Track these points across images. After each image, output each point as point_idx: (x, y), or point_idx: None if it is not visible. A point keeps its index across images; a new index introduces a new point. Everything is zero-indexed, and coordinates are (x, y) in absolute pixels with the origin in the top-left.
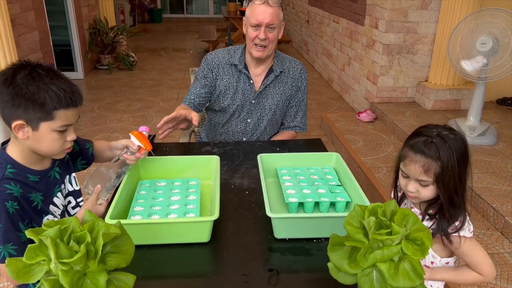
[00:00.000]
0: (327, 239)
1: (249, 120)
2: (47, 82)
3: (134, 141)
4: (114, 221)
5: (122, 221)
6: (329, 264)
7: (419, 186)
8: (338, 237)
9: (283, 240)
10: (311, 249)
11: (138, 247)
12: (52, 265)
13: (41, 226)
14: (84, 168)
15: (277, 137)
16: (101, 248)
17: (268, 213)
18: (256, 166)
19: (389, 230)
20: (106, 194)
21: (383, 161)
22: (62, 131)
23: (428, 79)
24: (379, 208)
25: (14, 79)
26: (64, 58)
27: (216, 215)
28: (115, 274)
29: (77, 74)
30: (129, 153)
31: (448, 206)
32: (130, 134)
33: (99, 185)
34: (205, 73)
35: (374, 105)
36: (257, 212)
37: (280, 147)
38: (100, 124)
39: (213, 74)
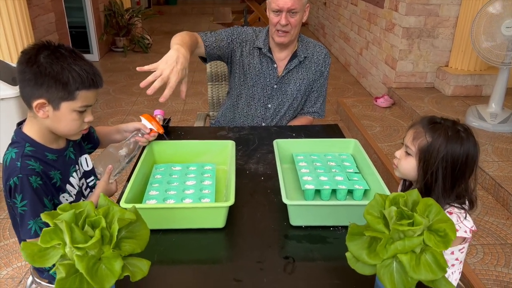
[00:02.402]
0: (344, 227)
1: (269, 105)
2: (70, 62)
3: (146, 124)
4: (129, 205)
5: (137, 206)
6: (347, 254)
7: (404, 154)
8: (357, 227)
9: (299, 227)
10: (328, 237)
11: (153, 231)
12: (67, 249)
13: (60, 203)
14: (90, 152)
15: (294, 122)
16: (116, 233)
17: (284, 200)
18: (272, 152)
19: (411, 220)
20: (116, 175)
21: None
22: (81, 112)
23: (449, 64)
24: (400, 198)
25: (38, 58)
26: (80, 40)
27: (231, 201)
28: (130, 259)
29: (92, 56)
30: (140, 135)
31: (422, 186)
32: (141, 117)
33: (110, 165)
34: (231, 40)
35: (392, 90)
36: (272, 199)
37: (296, 132)
38: (115, 106)
39: (237, 46)
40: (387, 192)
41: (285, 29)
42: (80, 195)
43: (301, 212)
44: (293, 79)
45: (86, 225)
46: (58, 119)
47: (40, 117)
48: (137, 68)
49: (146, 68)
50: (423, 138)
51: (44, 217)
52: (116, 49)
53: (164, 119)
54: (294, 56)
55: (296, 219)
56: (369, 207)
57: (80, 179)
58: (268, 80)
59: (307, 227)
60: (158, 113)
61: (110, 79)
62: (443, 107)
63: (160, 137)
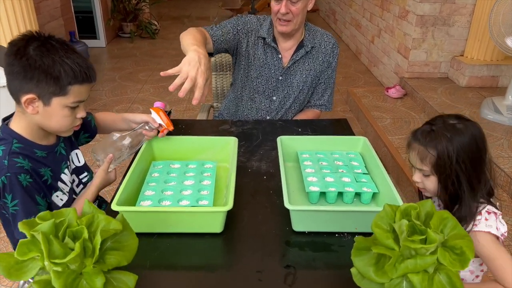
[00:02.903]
0: (350, 233)
1: (274, 98)
2: (62, 55)
3: (156, 118)
4: (121, 208)
5: (129, 209)
6: (353, 270)
7: (422, 176)
8: (364, 240)
9: (302, 233)
10: (333, 245)
11: (147, 235)
12: (46, 263)
13: (53, 203)
14: (88, 142)
15: (300, 116)
16: (98, 246)
17: (287, 205)
18: (276, 148)
19: (423, 236)
20: (115, 164)
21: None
22: (73, 108)
23: (464, 53)
24: (412, 210)
25: (27, 50)
26: (86, 25)
27: (229, 205)
28: (114, 273)
29: (99, 42)
30: (147, 128)
31: (447, 199)
32: (152, 110)
33: (111, 154)
34: (236, 31)
35: (404, 80)
36: (274, 200)
37: (302, 127)
38: (120, 94)
39: (243, 37)
40: (397, 196)
41: (286, 18)
42: (72, 192)
43: (304, 217)
44: (299, 70)
45: (67, 237)
46: (49, 115)
47: (29, 113)
48: (161, 73)
49: (170, 72)
50: (428, 155)
51: (21, 226)
52: (123, 35)
53: (165, 112)
54: (300, 46)
55: (298, 225)
56: (377, 219)
57: (71, 174)
58: (273, 71)
59: (310, 233)
60: (159, 105)
61: (117, 66)
62: (457, 99)
63: (168, 134)
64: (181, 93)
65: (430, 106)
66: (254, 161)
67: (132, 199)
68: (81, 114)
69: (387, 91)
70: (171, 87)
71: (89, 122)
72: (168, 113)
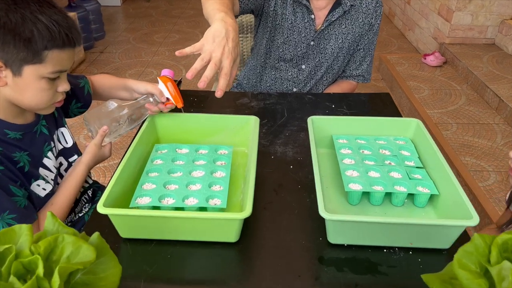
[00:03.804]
0: (403, 249)
1: (303, 67)
2: (35, 10)
3: (163, 90)
4: (109, 211)
5: (121, 212)
6: None
7: None
8: (434, 279)
9: (340, 246)
10: (380, 265)
11: (143, 241)
12: None
13: (30, 193)
14: (82, 113)
15: (334, 89)
16: None
17: (323, 213)
18: (305, 129)
19: None
20: (111, 138)
21: (452, 116)
22: (52, 79)
23: None
24: None
25: None
26: None
27: (247, 211)
28: None
29: (113, 1)
30: (151, 100)
31: None
32: (159, 80)
33: (105, 127)
34: None
35: (444, 47)
36: (304, 198)
37: (336, 102)
38: (134, 57)
39: None
40: (467, 202)
41: None
42: (57, 180)
43: (344, 227)
44: (334, 34)
45: (12, 275)
46: (21, 89)
47: None
48: (176, 53)
49: (188, 50)
50: None
51: None
52: None
53: (174, 81)
54: (337, 4)
55: (336, 236)
56: (462, 254)
57: (56, 157)
58: (303, 35)
59: (350, 247)
60: (167, 74)
61: (131, 26)
62: (505, 68)
63: (176, 110)
64: (201, 84)
65: (474, 76)
66: (278, 145)
67: (127, 193)
68: (63, 87)
69: (425, 58)
70: (189, 75)
71: (82, 90)
72: (178, 83)
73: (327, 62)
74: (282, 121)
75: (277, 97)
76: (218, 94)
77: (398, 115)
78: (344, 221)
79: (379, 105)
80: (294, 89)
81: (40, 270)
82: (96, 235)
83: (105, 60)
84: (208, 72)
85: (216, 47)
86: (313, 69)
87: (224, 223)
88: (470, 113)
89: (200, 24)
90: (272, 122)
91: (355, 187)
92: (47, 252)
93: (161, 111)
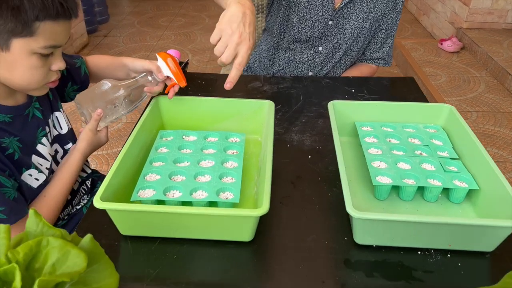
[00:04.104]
0: (439, 251)
1: (320, 48)
2: None
3: (163, 67)
4: (107, 206)
5: (121, 207)
6: None
7: None
8: None
9: (368, 247)
10: (416, 269)
11: (147, 239)
12: None
13: (20, 184)
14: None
15: (352, 72)
16: None
17: (350, 210)
18: (323, 116)
19: None
20: (106, 122)
21: (471, 104)
22: (45, 55)
23: None
24: None
25: None
26: None
27: (264, 208)
28: None
29: None
30: (150, 79)
31: None
32: (158, 56)
33: (100, 110)
34: None
35: (461, 32)
36: (325, 191)
37: (356, 86)
38: (139, 41)
39: None
40: None
41: None
42: (52, 170)
43: (374, 226)
44: (355, 13)
45: None
46: (9, 65)
47: None
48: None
49: (212, 42)
50: None
51: None
52: None
53: (180, 63)
54: None
55: (364, 236)
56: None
57: (51, 144)
58: (320, 13)
59: (380, 248)
60: (172, 54)
61: (136, 10)
62: None
63: (181, 92)
64: (228, 85)
65: (494, 62)
66: (294, 132)
67: (128, 185)
68: (57, 65)
69: (441, 44)
70: (220, 59)
71: (78, 70)
72: (184, 65)
73: (346, 43)
74: (298, 106)
75: (291, 81)
76: (228, 86)
77: (425, 101)
78: (376, 220)
79: (403, 90)
80: (310, 73)
81: (18, 283)
82: (88, 238)
83: (109, 44)
84: (225, 58)
85: (233, 35)
86: (331, 51)
87: (238, 221)
88: (490, 101)
89: (206, 8)
90: (287, 108)
91: (384, 180)
92: (28, 259)
93: (163, 94)
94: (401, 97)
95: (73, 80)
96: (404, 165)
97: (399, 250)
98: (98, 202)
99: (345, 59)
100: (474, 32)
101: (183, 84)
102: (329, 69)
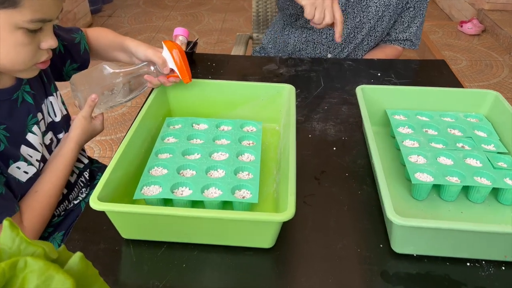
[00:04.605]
0: (493, 263)
1: None
2: None
3: (168, 60)
4: (103, 206)
5: (121, 208)
6: None
7: None
8: None
9: (409, 257)
10: (465, 283)
11: (152, 244)
12: None
13: (8, 178)
14: None
15: (376, 53)
16: None
17: (392, 216)
18: (347, 102)
19: None
20: (101, 109)
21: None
22: (32, 31)
23: None
24: None
25: None
26: None
27: (290, 212)
28: None
29: None
30: (152, 69)
31: None
32: (164, 45)
33: (94, 95)
34: None
35: (482, 13)
36: (354, 189)
37: (382, 70)
38: (144, 22)
39: None
40: None
41: None
42: (45, 161)
43: (416, 234)
44: None
45: None
46: None
47: None
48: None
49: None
50: None
51: None
52: None
53: (188, 43)
54: None
55: (404, 244)
56: None
57: (44, 133)
58: None
59: (422, 258)
60: (180, 33)
61: None
62: None
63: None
64: (339, 39)
65: None
66: (315, 121)
67: (131, 180)
68: (48, 43)
69: (461, 26)
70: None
71: (78, 46)
72: (193, 45)
73: (370, 22)
74: (319, 91)
75: (310, 63)
76: (338, 39)
77: (459, 86)
78: (422, 227)
79: (435, 74)
80: (329, 55)
81: None
82: (78, 257)
83: (113, 25)
84: (340, 28)
85: (326, 8)
86: (352, 31)
87: (258, 226)
88: None
89: None
90: (306, 93)
91: (424, 178)
92: (1, 284)
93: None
94: (433, 82)
95: (72, 58)
96: (445, 160)
97: (444, 260)
98: (95, 203)
99: (367, 40)
100: (496, 13)
101: (187, 80)
102: (350, 51)
